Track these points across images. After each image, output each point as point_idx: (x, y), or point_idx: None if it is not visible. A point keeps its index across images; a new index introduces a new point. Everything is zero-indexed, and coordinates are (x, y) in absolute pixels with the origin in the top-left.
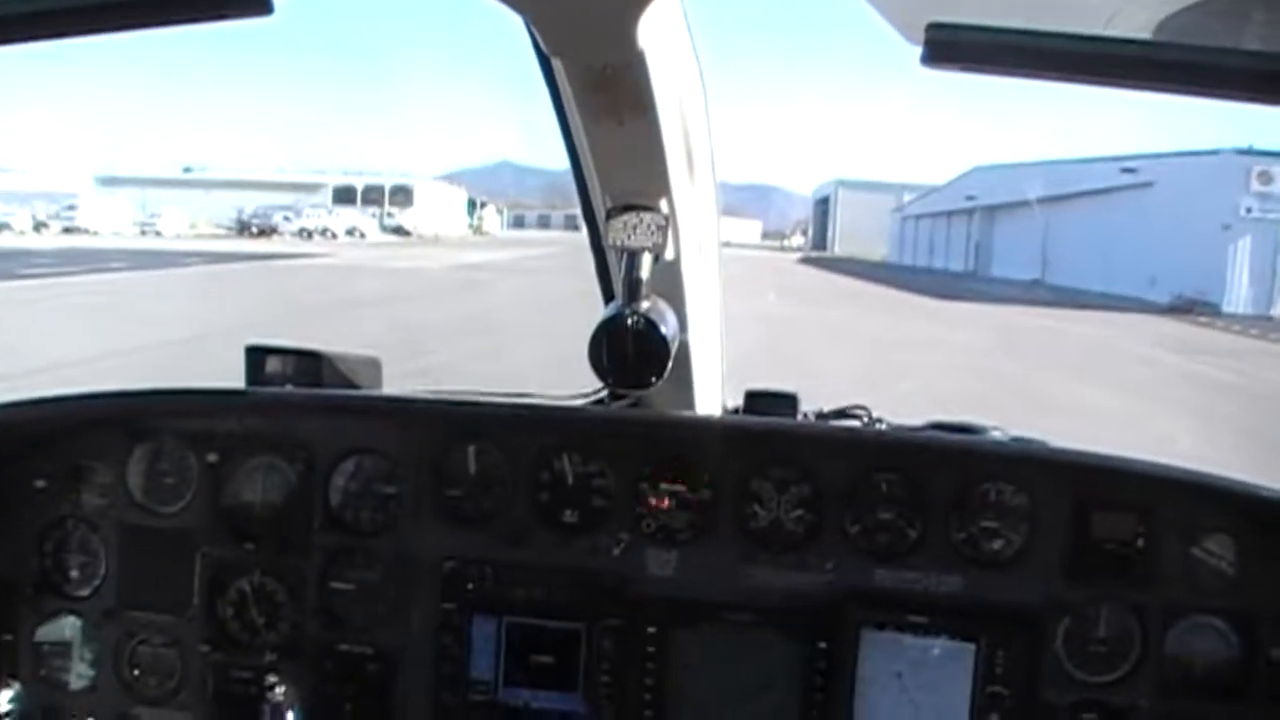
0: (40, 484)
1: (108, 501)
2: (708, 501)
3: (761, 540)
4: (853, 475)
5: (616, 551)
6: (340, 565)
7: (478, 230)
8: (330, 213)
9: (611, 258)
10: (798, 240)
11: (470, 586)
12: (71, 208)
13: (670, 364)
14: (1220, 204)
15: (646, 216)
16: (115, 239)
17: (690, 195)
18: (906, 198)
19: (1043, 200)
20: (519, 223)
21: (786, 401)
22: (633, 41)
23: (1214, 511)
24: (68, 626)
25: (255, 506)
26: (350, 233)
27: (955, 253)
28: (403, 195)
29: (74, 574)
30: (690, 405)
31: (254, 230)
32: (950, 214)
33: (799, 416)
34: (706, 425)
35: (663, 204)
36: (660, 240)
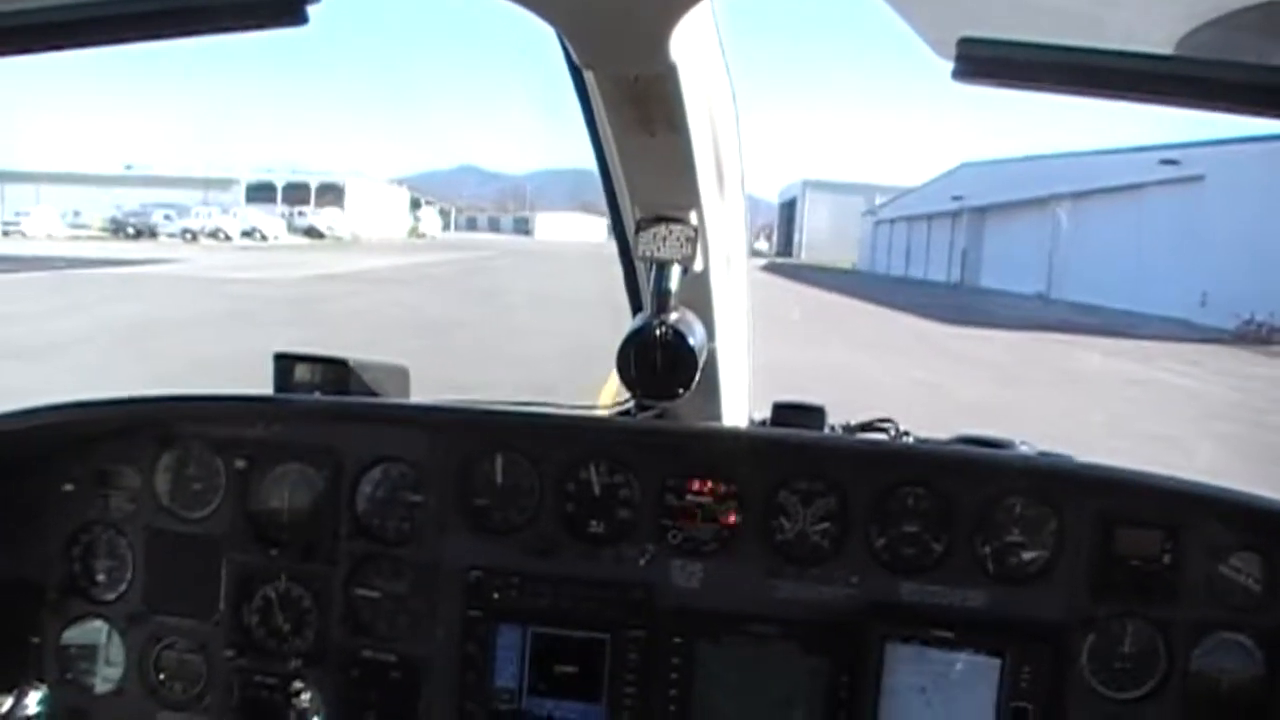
0: (68, 488)
1: (135, 506)
2: (734, 513)
3: (787, 553)
4: (879, 489)
5: (642, 562)
6: (366, 573)
7: (414, 232)
8: (227, 212)
9: (640, 269)
10: (761, 245)
11: (495, 596)
12: None
13: (698, 375)
14: None
15: (676, 228)
16: None
17: (719, 207)
18: (879, 200)
19: (1052, 199)
20: (471, 225)
21: (814, 414)
22: (665, 53)
23: (1241, 528)
24: (94, 630)
25: (282, 513)
26: (249, 234)
27: (937, 260)
28: (333, 194)
29: (101, 578)
30: (717, 417)
31: (130, 231)
32: (931, 217)
33: (826, 429)
34: (733, 437)
35: (692, 216)
36: (690, 252)
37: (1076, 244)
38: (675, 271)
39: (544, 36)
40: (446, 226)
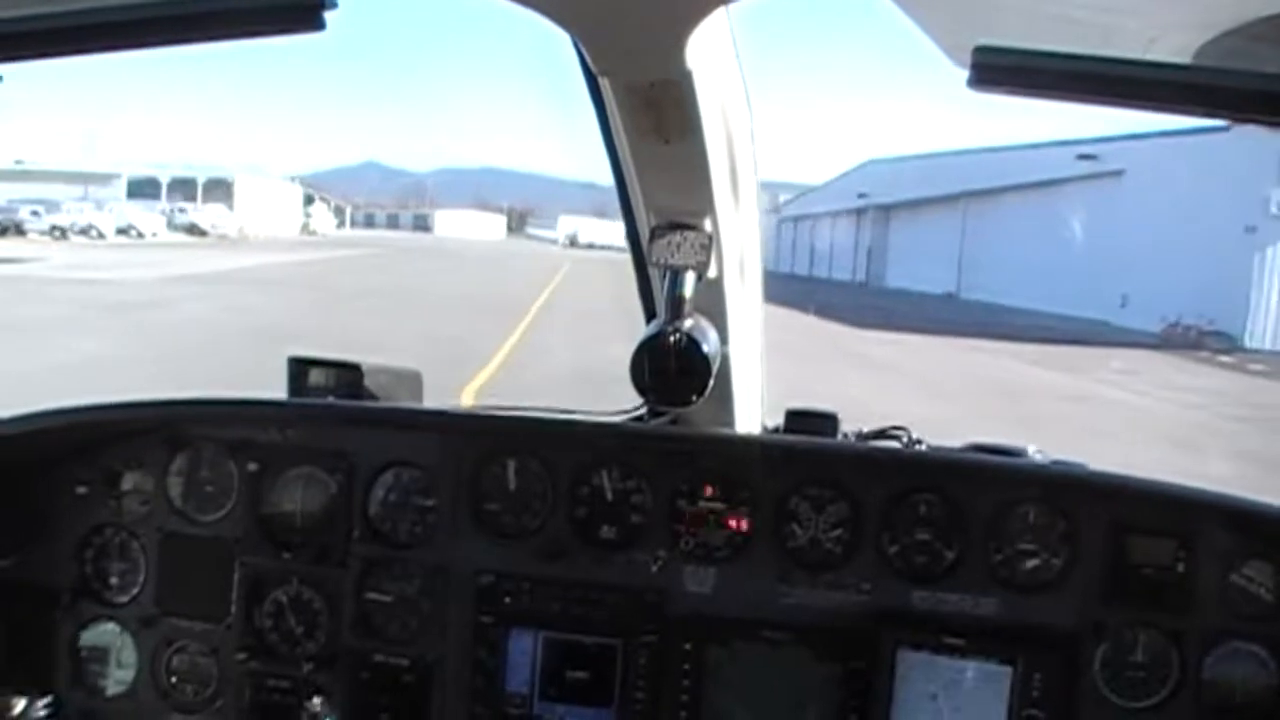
0: (81, 491)
1: (148, 509)
2: (746, 519)
3: (799, 559)
4: (891, 496)
5: (654, 568)
6: (378, 576)
7: (306, 229)
8: (102, 208)
9: (654, 275)
10: None
11: (507, 600)
12: None
13: (711, 382)
14: (1239, 198)
15: (690, 235)
16: None
17: (733, 214)
18: (783, 198)
19: (962, 196)
20: (369, 222)
21: (827, 421)
22: (680, 60)
23: (1254, 537)
24: (106, 633)
25: (294, 516)
26: (124, 231)
27: (842, 260)
28: (222, 190)
29: (113, 581)
30: (730, 423)
31: None
32: (835, 215)
33: (839, 436)
34: (746, 443)
35: (706, 223)
36: (704, 259)
37: (988, 243)
38: (690, 278)
39: (554, 43)
40: (342, 224)
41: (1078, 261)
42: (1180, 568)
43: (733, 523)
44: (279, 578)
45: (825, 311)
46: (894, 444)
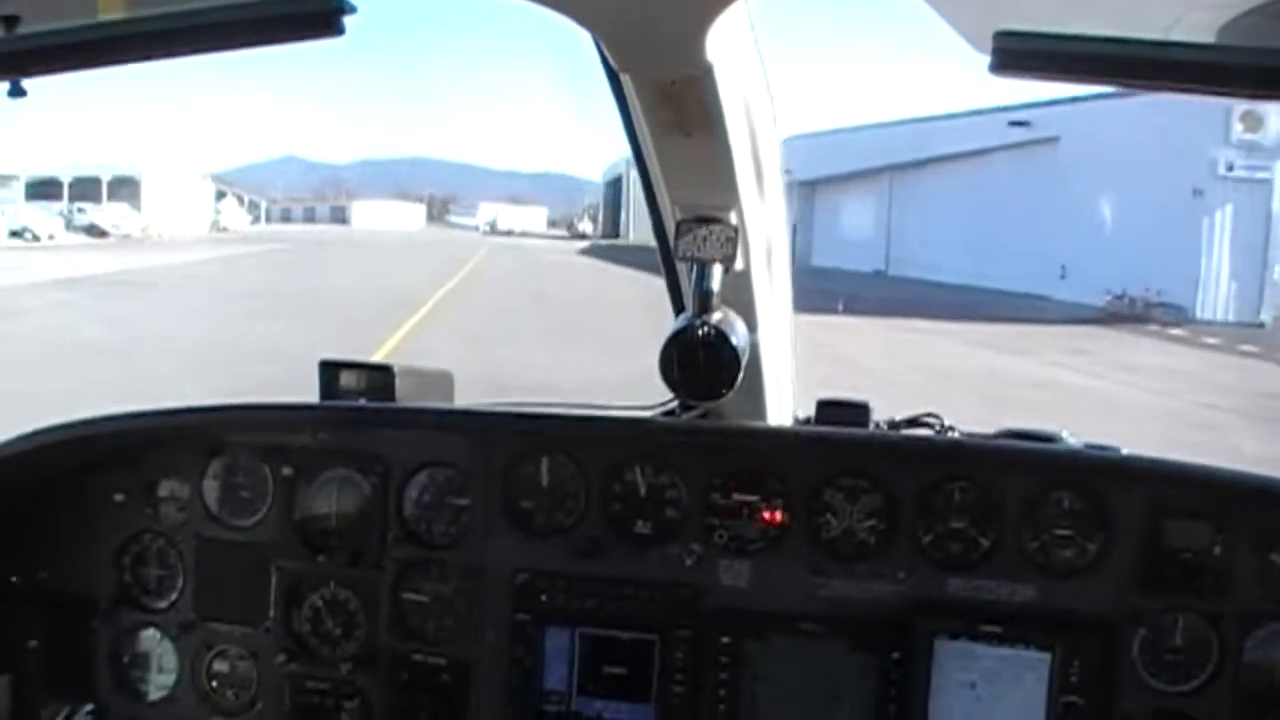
0: (119, 498)
1: (185, 515)
2: (780, 512)
3: (834, 550)
4: (925, 484)
5: (689, 562)
6: (414, 577)
7: (216, 226)
8: None
9: (681, 270)
10: (586, 226)
11: (543, 598)
12: None
13: (741, 374)
14: (1184, 161)
15: (716, 228)
16: None
17: (759, 206)
18: None
19: (887, 170)
20: (286, 216)
21: (859, 411)
22: (701, 55)
23: None
24: (146, 639)
25: (330, 519)
26: (18, 234)
27: None
28: (128, 189)
29: (152, 587)
30: (761, 415)
31: None
32: None
33: (870, 425)
34: (778, 435)
35: (732, 215)
36: (730, 252)
37: (917, 217)
38: (717, 271)
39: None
40: (257, 219)
41: (1013, 234)
42: (1217, 550)
43: (767, 515)
44: (316, 581)
45: None
46: (926, 431)
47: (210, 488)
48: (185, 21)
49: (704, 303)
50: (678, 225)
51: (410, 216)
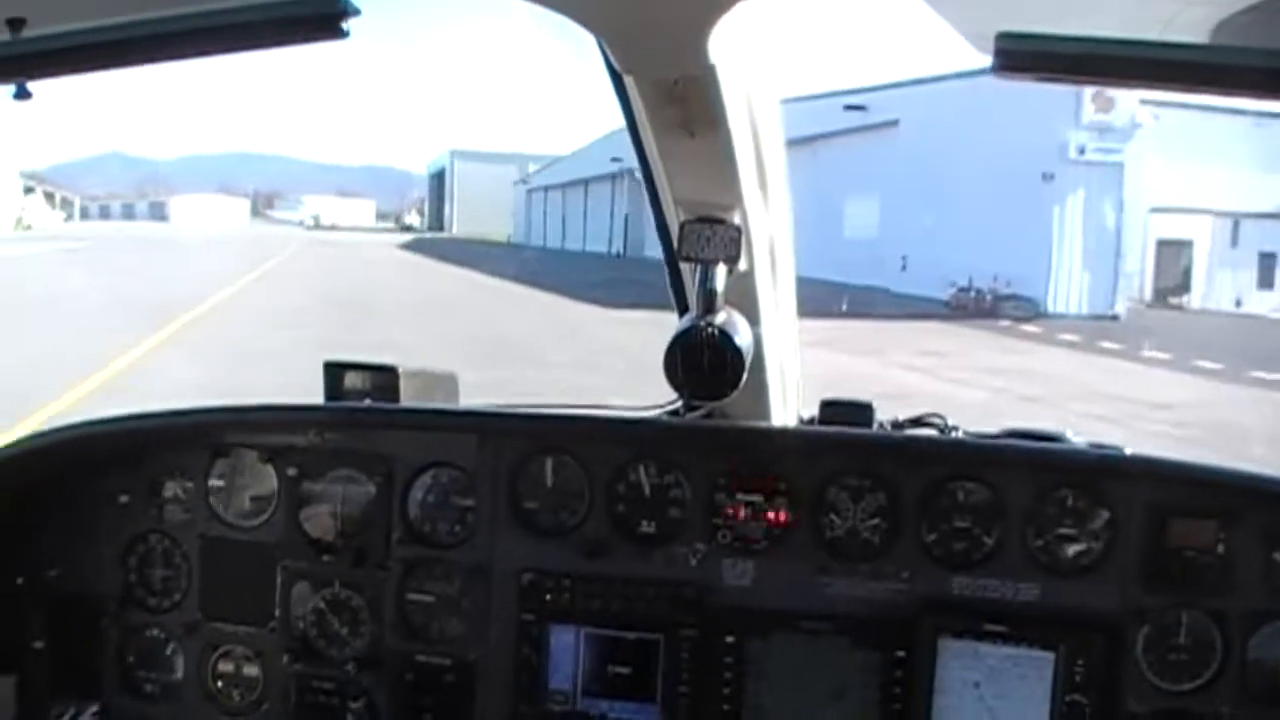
0: (124, 499)
1: (190, 516)
2: (784, 511)
3: (837, 550)
4: (929, 484)
5: (693, 562)
6: (419, 577)
7: (20, 225)
8: None
9: (685, 270)
10: (414, 219)
11: (548, 598)
12: None
13: (745, 375)
14: (1034, 144)
15: (720, 229)
16: None
17: (763, 206)
18: (532, 168)
19: None
20: (104, 213)
21: (862, 411)
22: (704, 55)
23: None
24: (152, 639)
25: (335, 520)
26: None
27: (598, 229)
28: None
29: (157, 587)
30: (765, 415)
31: None
32: (589, 182)
33: (874, 425)
34: (782, 435)
35: (735, 216)
36: (734, 252)
37: None
38: (720, 271)
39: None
40: (70, 216)
41: (851, 223)
42: (1221, 549)
43: (771, 515)
44: (321, 581)
45: (564, 290)
46: (930, 431)
47: (215, 488)
48: (190, 24)
49: (708, 303)
50: (681, 225)
51: (233, 212)
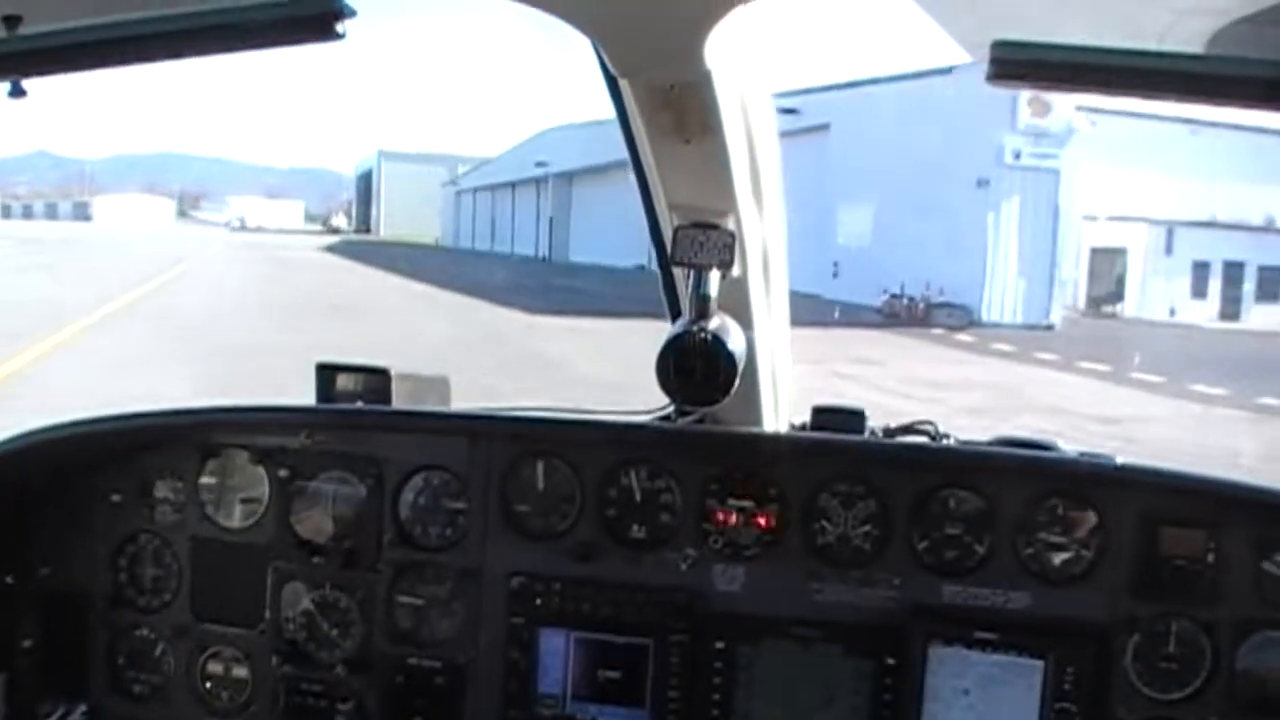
0: (115, 499)
1: (180, 516)
2: (775, 517)
3: (828, 556)
4: (920, 491)
5: (684, 567)
6: (409, 580)
7: None
8: None
9: (678, 275)
10: (341, 221)
11: (538, 602)
12: None
13: (737, 380)
14: (968, 149)
15: (714, 234)
16: None
17: (756, 212)
18: (462, 169)
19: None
20: (27, 213)
21: (854, 418)
22: (700, 60)
23: None
24: (141, 639)
25: (326, 521)
26: None
27: (524, 232)
28: None
29: (148, 587)
30: (757, 421)
31: None
32: (515, 184)
33: (866, 433)
34: (773, 441)
35: (729, 221)
36: (728, 258)
37: None
38: (714, 277)
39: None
40: None
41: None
42: (1211, 558)
43: (762, 521)
44: (311, 583)
45: (493, 296)
46: (921, 439)
47: (206, 489)
48: (186, 24)
49: (701, 308)
50: (675, 230)
51: (159, 213)
